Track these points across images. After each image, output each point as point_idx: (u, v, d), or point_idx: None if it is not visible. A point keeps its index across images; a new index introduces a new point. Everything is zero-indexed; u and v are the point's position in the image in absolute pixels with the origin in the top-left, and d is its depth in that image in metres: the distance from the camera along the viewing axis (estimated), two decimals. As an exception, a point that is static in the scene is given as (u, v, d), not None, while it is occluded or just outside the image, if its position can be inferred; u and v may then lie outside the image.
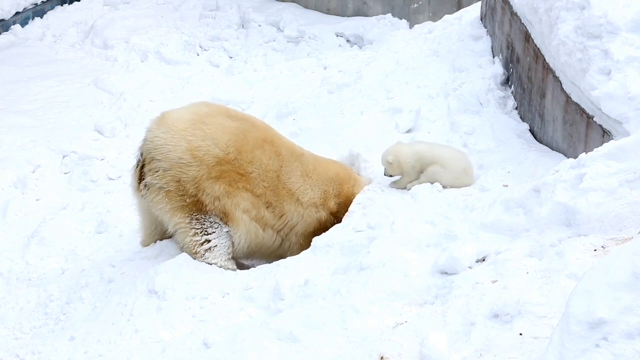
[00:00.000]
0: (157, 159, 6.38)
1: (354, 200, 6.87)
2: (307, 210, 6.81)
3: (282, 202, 6.71)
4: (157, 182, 6.38)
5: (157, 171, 6.38)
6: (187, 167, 6.35)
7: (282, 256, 6.70)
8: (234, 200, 6.51)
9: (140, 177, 6.48)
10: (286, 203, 6.73)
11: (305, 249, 6.49)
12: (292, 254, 6.68)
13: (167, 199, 6.40)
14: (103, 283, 6.67)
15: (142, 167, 6.47)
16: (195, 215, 6.44)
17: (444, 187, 6.72)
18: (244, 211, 6.56)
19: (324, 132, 8.53)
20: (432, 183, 6.73)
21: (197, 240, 6.45)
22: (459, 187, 6.71)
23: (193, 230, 6.45)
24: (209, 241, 6.47)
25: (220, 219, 6.50)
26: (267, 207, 6.67)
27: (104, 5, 15.56)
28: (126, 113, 10.90)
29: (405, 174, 6.91)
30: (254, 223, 6.65)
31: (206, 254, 6.46)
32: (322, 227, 6.83)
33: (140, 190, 6.50)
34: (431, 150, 6.89)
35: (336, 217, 6.88)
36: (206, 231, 6.47)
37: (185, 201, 6.40)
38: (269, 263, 6.57)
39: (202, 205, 6.44)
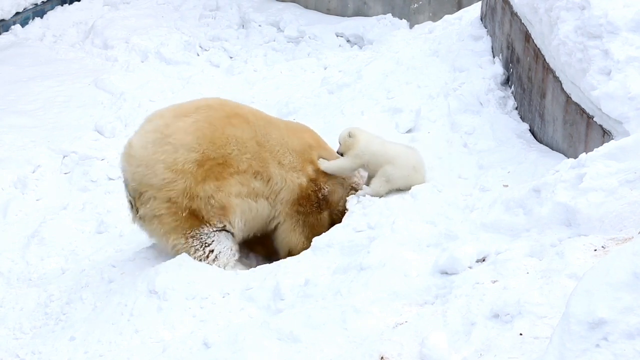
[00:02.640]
0: (144, 191, 6.43)
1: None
2: (288, 174, 6.84)
3: (268, 165, 6.75)
4: (149, 211, 6.45)
5: (148, 200, 6.44)
6: (174, 184, 6.39)
7: (269, 228, 6.89)
8: (225, 191, 6.54)
9: (137, 212, 6.57)
10: (271, 166, 6.76)
11: (290, 219, 6.78)
12: (279, 227, 6.88)
13: (161, 223, 6.45)
14: (103, 283, 6.68)
15: (135, 204, 6.55)
16: (190, 233, 6.49)
17: (395, 185, 6.80)
18: (236, 196, 6.60)
19: (324, 132, 8.51)
20: (386, 181, 6.78)
21: (201, 255, 6.50)
22: (410, 185, 6.75)
23: (193, 248, 6.51)
24: (212, 251, 6.52)
25: (219, 217, 6.52)
26: (255, 178, 6.70)
27: (104, 5, 15.56)
28: (126, 113, 10.90)
29: (349, 157, 6.92)
30: (247, 200, 6.69)
31: (214, 263, 6.51)
32: (304, 195, 6.90)
33: (136, 224, 6.62)
34: (383, 149, 6.92)
35: (315, 183, 6.94)
36: (205, 242, 6.52)
37: (179, 219, 6.44)
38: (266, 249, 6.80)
39: (198, 212, 6.47)
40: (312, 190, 6.92)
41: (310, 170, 6.94)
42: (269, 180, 6.76)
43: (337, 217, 7.01)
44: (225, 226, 6.59)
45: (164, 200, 6.39)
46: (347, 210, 6.84)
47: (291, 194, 6.87)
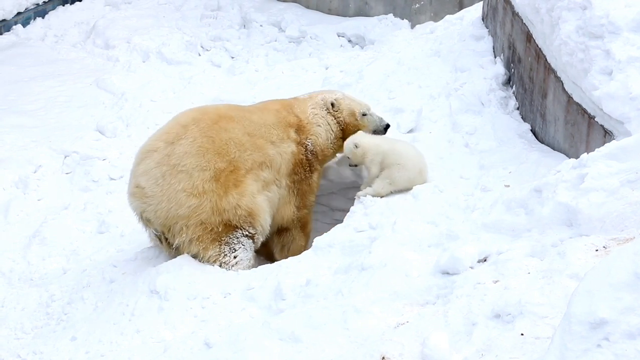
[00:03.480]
0: (173, 223, 6.49)
1: (304, 122, 7.20)
2: (282, 148, 7.00)
3: (266, 150, 6.86)
4: (186, 239, 6.50)
5: (180, 230, 6.49)
6: (201, 207, 6.46)
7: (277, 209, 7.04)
8: (247, 194, 6.62)
9: (169, 244, 6.62)
10: (268, 149, 6.89)
11: (287, 190, 6.97)
12: (282, 202, 7.02)
13: (200, 243, 6.52)
14: (104, 283, 6.68)
15: (165, 238, 6.60)
16: (224, 240, 6.56)
17: (398, 187, 6.88)
18: (257, 194, 6.72)
19: (326, 132, 8.52)
20: (390, 183, 6.84)
21: (227, 261, 6.58)
22: (412, 186, 6.84)
23: (223, 254, 6.58)
24: (235, 257, 6.60)
25: (249, 223, 6.63)
26: (261, 169, 6.82)
27: (105, 5, 15.54)
28: (128, 113, 10.89)
29: (370, 166, 7.01)
30: (264, 193, 6.82)
31: (232, 267, 6.57)
32: (297, 162, 7.08)
33: (173, 251, 6.65)
34: (393, 148, 7.00)
35: (302, 145, 7.14)
36: (234, 249, 6.60)
37: (215, 233, 6.52)
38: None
39: (229, 222, 6.56)
40: (302, 154, 7.11)
41: (292, 134, 7.13)
42: (271, 164, 6.88)
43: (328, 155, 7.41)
44: (254, 235, 6.69)
45: (197, 224, 6.47)
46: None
47: (287, 165, 7.03)
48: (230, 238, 6.56)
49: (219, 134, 6.62)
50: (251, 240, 6.68)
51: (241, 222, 6.58)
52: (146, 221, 6.59)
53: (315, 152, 7.22)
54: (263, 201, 6.75)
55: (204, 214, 6.45)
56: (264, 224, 6.77)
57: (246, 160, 6.68)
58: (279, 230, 7.24)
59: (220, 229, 6.52)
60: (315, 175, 7.23)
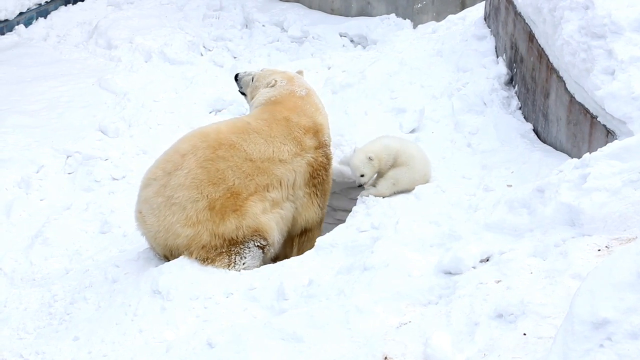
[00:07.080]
0: (174, 249, 6.57)
1: (320, 119, 7.13)
2: (294, 164, 6.87)
3: (272, 172, 6.73)
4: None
5: (182, 254, 6.55)
6: (199, 235, 6.48)
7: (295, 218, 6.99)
8: (249, 214, 6.59)
9: None
10: (275, 170, 6.75)
11: (308, 197, 6.90)
12: (304, 208, 6.96)
13: (207, 260, 6.51)
14: (107, 283, 6.69)
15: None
16: (234, 250, 6.55)
17: (400, 188, 6.88)
18: (262, 213, 6.66)
19: (328, 132, 8.52)
20: (393, 184, 6.83)
21: (237, 269, 6.56)
22: (413, 187, 6.84)
23: (233, 263, 6.57)
24: (244, 263, 6.59)
25: (257, 237, 6.62)
26: (268, 191, 6.72)
27: (107, 5, 15.53)
28: (130, 113, 10.89)
29: (382, 169, 6.98)
30: (275, 212, 6.76)
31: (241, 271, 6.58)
32: (316, 168, 6.99)
33: None
34: (404, 148, 6.98)
35: (321, 147, 7.05)
36: (244, 257, 6.60)
37: (221, 250, 6.52)
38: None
39: (235, 240, 6.55)
40: (321, 156, 7.03)
41: (308, 141, 7.00)
42: (280, 184, 6.78)
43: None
44: (265, 246, 6.68)
45: (199, 249, 6.49)
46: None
47: (304, 176, 6.93)
48: (240, 249, 6.55)
49: (215, 164, 6.54)
50: (261, 251, 6.66)
51: (248, 237, 6.56)
52: (150, 244, 6.77)
53: (330, 140, 7.21)
54: (270, 220, 6.69)
55: (204, 240, 6.48)
56: (274, 240, 6.74)
57: (248, 185, 6.61)
58: (301, 233, 7.19)
59: (225, 248, 6.52)
60: (330, 169, 7.19)
